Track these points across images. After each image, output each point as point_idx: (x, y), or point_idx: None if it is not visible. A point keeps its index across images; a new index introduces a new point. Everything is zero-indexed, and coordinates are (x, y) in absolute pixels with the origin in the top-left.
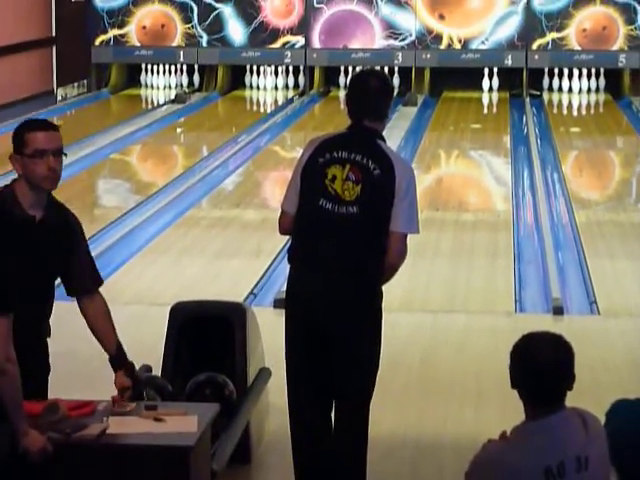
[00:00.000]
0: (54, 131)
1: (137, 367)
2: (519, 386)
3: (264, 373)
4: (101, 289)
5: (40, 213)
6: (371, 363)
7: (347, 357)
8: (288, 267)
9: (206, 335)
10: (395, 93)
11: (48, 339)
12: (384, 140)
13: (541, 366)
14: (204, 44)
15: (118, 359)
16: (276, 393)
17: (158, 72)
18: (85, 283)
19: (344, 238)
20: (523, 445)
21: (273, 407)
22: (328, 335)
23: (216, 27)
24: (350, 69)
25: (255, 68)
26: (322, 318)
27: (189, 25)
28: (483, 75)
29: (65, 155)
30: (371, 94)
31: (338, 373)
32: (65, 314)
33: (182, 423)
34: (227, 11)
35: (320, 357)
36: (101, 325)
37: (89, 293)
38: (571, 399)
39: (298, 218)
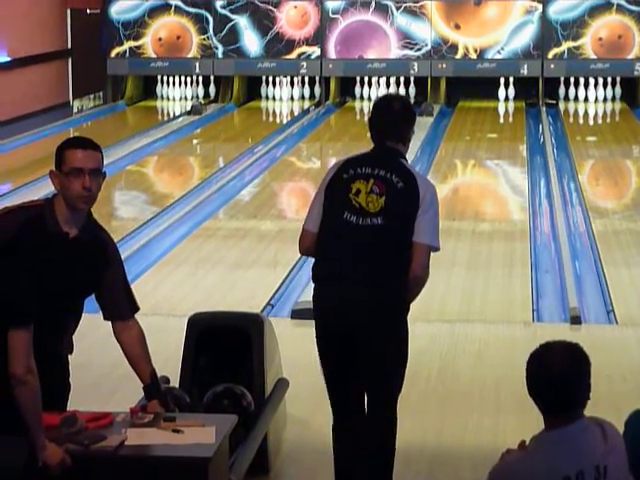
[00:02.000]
0: (93, 150)
1: None
2: (536, 396)
3: (282, 384)
4: None
5: (75, 231)
6: (399, 366)
7: (375, 362)
8: (306, 278)
9: (223, 346)
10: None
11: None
12: (406, 160)
13: (557, 376)
14: (220, 55)
15: (152, 389)
16: (294, 404)
17: (174, 83)
18: (119, 308)
19: (369, 249)
20: (541, 455)
21: (291, 418)
22: (359, 341)
23: (232, 38)
24: (366, 79)
25: (271, 79)
26: (352, 327)
27: (205, 36)
28: (499, 84)
29: (104, 175)
30: (393, 118)
31: (374, 374)
32: (84, 326)
33: (200, 434)
34: (242, 22)
35: (350, 367)
36: (136, 353)
37: (123, 319)
38: (589, 408)
39: (322, 233)
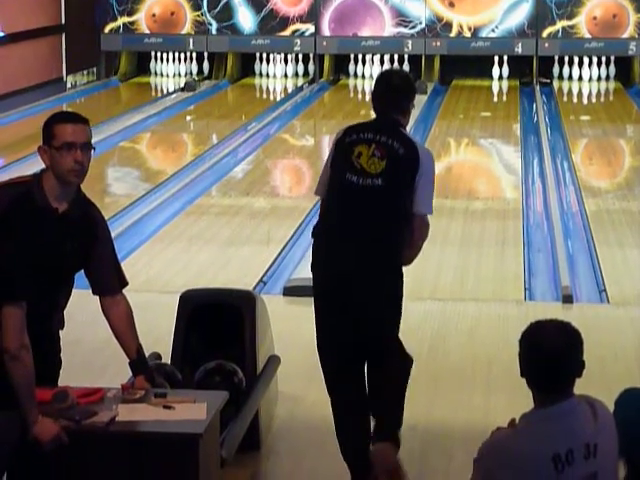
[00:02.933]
0: (83, 124)
1: (146, 355)
2: (528, 374)
3: (273, 361)
4: None
5: (64, 206)
6: (394, 317)
7: (375, 311)
8: (298, 256)
9: (215, 323)
10: None
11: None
12: (406, 131)
13: (549, 353)
14: (214, 32)
15: (139, 364)
16: (285, 381)
17: (167, 60)
18: (107, 283)
19: (368, 208)
20: (531, 432)
21: (282, 394)
22: (356, 299)
23: (226, 15)
24: (360, 57)
25: (265, 56)
26: (350, 283)
27: (199, 13)
28: (493, 63)
29: (93, 149)
30: (395, 91)
31: (369, 325)
32: (75, 302)
33: (191, 411)
34: None
35: (345, 313)
36: (123, 328)
37: (112, 294)
38: (580, 387)
39: (327, 194)
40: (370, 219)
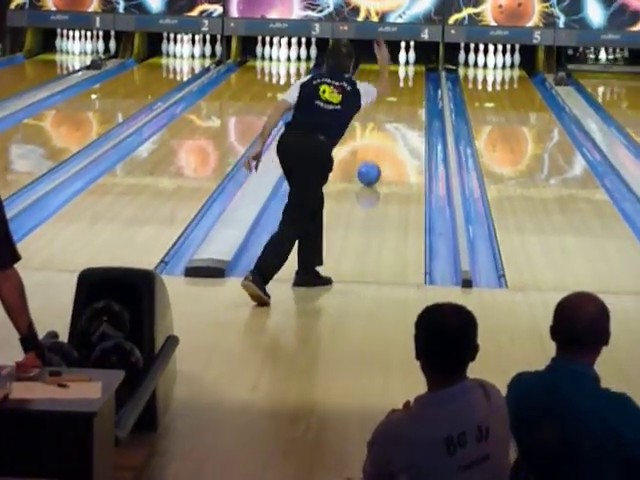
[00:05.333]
0: None
1: (44, 334)
2: (422, 356)
3: (172, 340)
4: None
5: None
6: (311, 187)
7: (302, 181)
8: (200, 236)
9: (115, 302)
10: (312, 65)
11: None
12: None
13: (442, 336)
14: (121, 10)
15: (29, 341)
16: (184, 361)
17: (74, 38)
18: None
19: (329, 119)
20: (424, 415)
21: (181, 374)
22: (297, 166)
23: None
24: (267, 39)
25: (172, 36)
26: (299, 158)
27: None
28: (400, 48)
29: None
30: (337, 57)
31: (294, 189)
32: None
33: (86, 389)
34: None
35: (289, 178)
36: (14, 303)
37: (2, 268)
38: (476, 370)
39: (299, 112)
40: (328, 124)
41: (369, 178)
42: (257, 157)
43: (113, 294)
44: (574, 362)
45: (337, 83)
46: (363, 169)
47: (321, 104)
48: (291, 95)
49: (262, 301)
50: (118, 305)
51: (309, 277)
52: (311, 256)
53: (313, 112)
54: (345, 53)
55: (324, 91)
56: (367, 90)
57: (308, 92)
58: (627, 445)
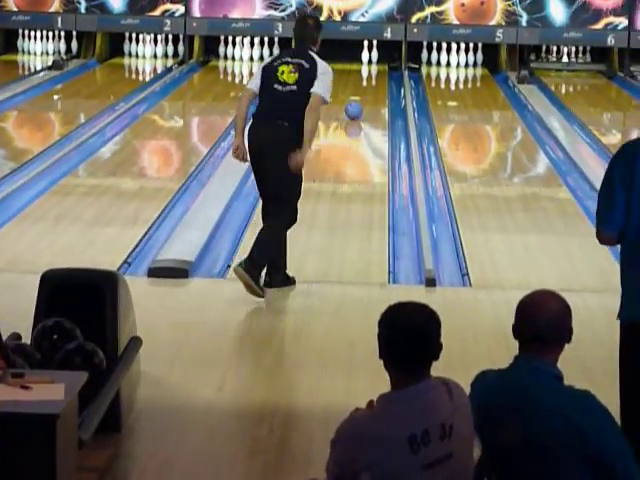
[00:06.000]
0: None
1: (7, 335)
2: (386, 354)
3: (135, 341)
4: None
5: None
6: (289, 179)
7: (276, 172)
8: (164, 236)
9: (77, 303)
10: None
11: None
12: (315, 53)
13: (406, 335)
14: (82, 11)
15: None
16: (148, 362)
17: (35, 38)
18: None
19: (288, 102)
20: (387, 414)
21: (145, 376)
22: (264, 157)
23: None
24: (230, 39)
25: (134, 36)
26: (262, 149)
27: None
28: (362, 47)
29: None
30: (305, 29)
31: (270, 182)
32: None
33: (49, 391)
34: None
35: (261, 172)
36: None
37: None
38: (441, 369)
39: (261, 97)
40: (288, 110)
41: (354, 113)
42: (239, 148)
43: (76, 295)
44: (537, 360)
45: (296, 60)
46: (349, 106)
47: (279, 87)
48: (254, 81)
49: (254, 292)
50: (69, 322)
51: (280, 278)
52: (281, 256)
53: (272, 97)
54: (312, 25)
55: (282, 72)
56: (324, 80)
57: (268, 75)
58: (590, 443)
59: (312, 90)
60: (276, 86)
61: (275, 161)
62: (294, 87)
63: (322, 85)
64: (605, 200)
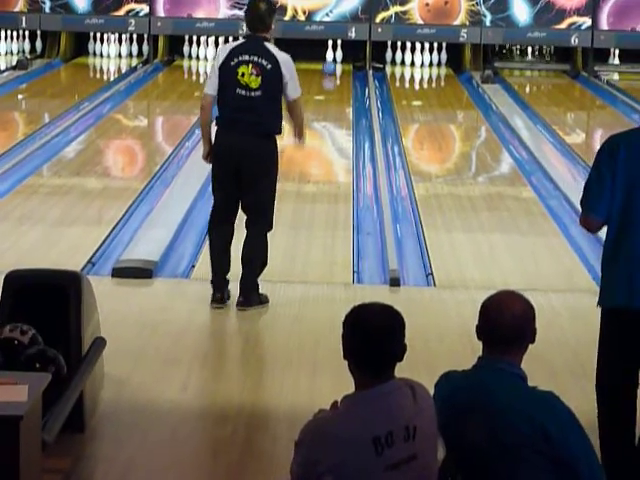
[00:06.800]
0: None
1: None
2: (349, 355)
3: (99, 342)
4: None
5: None
6: (268, 188)
7: (253, 182)
8: (127, 237)
9: (41, 303)
10: None
11: None
12: (268, 40)
13: (369, 335)
14: (47, 10)
15: None
16: (112, 363)
17: (0, 38)
18: None
19: (253, 110)
20: (351, 415)
21: (108, 376)
22: (242, 169)
23: None
24: (195, 38)
25: (99, 35)
26: (239, 161)
27: None
28: (327, 47)
29: None
30: (257, 13)
31: (252, 194)
32: None
33: (12, 392)
34: None
35: (234, 187)
36: None
37: None
38: (405, 370)
39: (221, 101)
40: (255, 118)
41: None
42: (209, 155)
43: (40, 296)
44: (501, 361)
45: (255, 60)
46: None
47: (243, 92)
48: (211, 85)
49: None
50: (52, 351)
51: (256, 296)
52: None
53: (238, 104)
54: (264, 9)
55: (242, 74)
56: (292, 78)
57: (227, 77)
58: (554, 443)
59: (288, 100)
60: (239, 91)
61: (256, 174)
62: (259, 93)
63: (292, 86)
64: (593, 187)
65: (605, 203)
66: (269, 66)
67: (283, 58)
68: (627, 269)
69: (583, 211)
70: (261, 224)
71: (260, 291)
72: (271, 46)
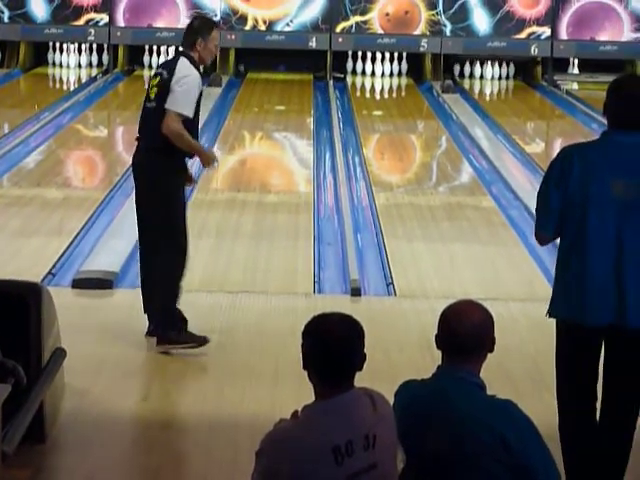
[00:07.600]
0: None
1: None
2: (310, 365)
3: (59, 353)
4: None
5: None
6: (160, 207)
7: (144, 201)
8: (88, 247)
9: (1, 314)
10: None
11: None
12: (189, 57)
13: (328, 346)
14: (5, 20)
15: None
16: (72, 374)
17: None
18: None
19: (147, 123)
20: (311, 424)
21: (69, 387)
22: (135, 185)
23: (18, 3)
24: (155, 48)
25: (58, 45)
26: (134, 175)
27: None
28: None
29: None
30: (186, 30)
31: (142, 211)
32: None
33: None
34: None
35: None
36: None
37: None
38: (366, 379)
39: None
40: (146, 129)
41: None
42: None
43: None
44: (460, 370)
45: (159, 71)
46: None
47: (147, 104)
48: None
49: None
50: (11, 362)
51: (173, 334)
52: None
53: (142, 116)
54: (195, 26)
55: (151, 86)
56: (176, 91)
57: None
58: (513, 451)
59: (166, 107)
60: (146, 103)
61: (138, 191)
62: (153, 103)
63: (173, 98)
64: (540, 202)
65: (552, 221)
66: (165, 75)
67: (182, 68)
68: (578, 285)
69: (535, 226)
70: (161, 251)
71: (213, 303)
72: (183, 61)
